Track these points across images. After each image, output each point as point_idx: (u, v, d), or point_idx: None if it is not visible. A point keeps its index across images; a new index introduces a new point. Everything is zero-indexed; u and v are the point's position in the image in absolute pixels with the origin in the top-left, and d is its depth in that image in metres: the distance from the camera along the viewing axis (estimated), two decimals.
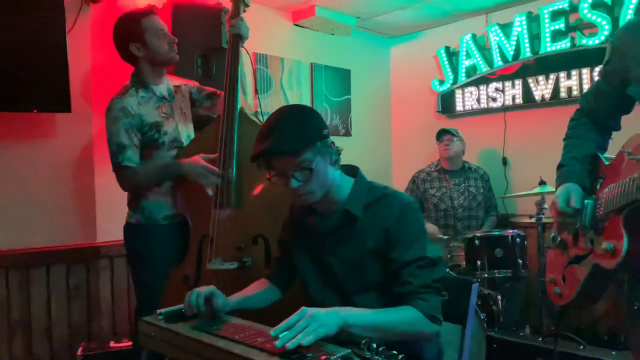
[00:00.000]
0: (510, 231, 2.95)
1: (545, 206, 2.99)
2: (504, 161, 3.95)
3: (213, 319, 1.50)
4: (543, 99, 3.68)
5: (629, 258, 1.18)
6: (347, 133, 4.29)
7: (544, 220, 3.00)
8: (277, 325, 1.20)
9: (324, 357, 1.08)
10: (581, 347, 2.12)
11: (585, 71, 3.45)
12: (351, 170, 1.63)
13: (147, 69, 2.26)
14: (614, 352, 2.04)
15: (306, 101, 4.01)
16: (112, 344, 2.63)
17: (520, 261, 2.84)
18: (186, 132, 2.38)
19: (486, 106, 4.01)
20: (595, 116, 1.53)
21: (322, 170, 1.47)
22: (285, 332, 1.17)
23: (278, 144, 1.42)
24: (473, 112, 4.10)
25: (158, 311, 1.54)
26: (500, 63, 3.86)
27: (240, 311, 1.62)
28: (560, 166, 1.53)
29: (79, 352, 2.56)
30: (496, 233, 2.94)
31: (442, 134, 3.75)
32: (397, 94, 4.71)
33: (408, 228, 1.49)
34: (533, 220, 3.05)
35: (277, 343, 1.14)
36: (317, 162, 1.45)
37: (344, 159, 1.57)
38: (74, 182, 2.89)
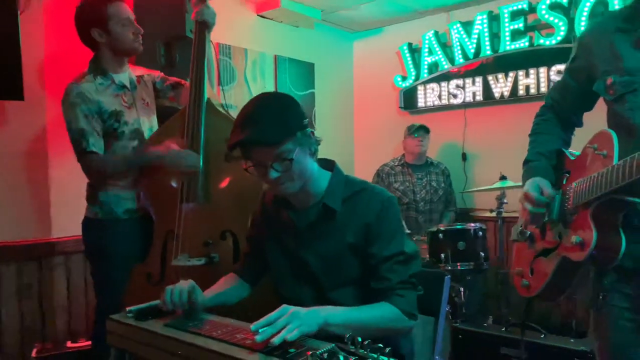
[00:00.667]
0: (473, 225, 3.02)
1: (505, 201, 3.08)
2: (464, 157, 4.04)
3: (187, 316, 1.45)
4: (502, 96, 3.78)
5: (597, 250, 1.21)
6: (311, 127, 4.26)
7: (504, 214, 3.08)
8: (257, 321, 1.17)
9: (310, 352, 1.06)
10: (542, 335, 2.19)
11: (543, 70, 3.56)
12: (327, 164, 1.60)
13: (108, 57, 2.16)
14: (572, 340, 2.12)
15: None
16: (69, 344, 2.52)
17: (482, 254, 2.91)
18: (148, 123, 2.29)
19: (447, 102, 4.08)
20: (560, 112, 1.56)
21: (302, 161, 1.44)
22: (266, 328, 1.15)
23: (258, 133, 1.37)
24: (434, 109, 4.17)
25: (127, 309, 1.47)
26: (461, 60, 3.94)
27: (211, 308, 1.57)
28: (527, 161, 1.56)
29: (34, 353, 2.44)
30: (459, 227, 3.00)
31: (419, 129, 3.78)
32: (359, 89, 4.72)
33: (388, 224, 1.48)
34: (493, 214, 3.13)
35: (258, 337, 1.12)
36: (297, 152, 1.42)
37: None
38: (27, 174, 2.72)
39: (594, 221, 1.23)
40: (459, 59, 3.95)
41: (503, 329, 2.32)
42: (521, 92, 3.68)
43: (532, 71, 3.61)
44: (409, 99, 4.30)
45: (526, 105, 3.70)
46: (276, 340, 1.11)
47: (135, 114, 2.21)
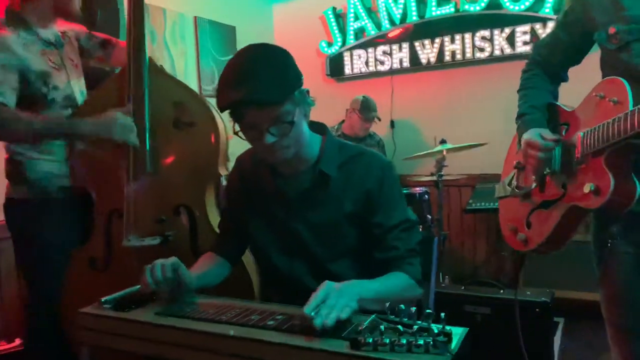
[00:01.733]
0: (418, 189, 3.05)
1: (446, 164, 3.14)
2: (392, 124, 4.06)
3: (177, 299, 1.26)
4: (429, 62, 3.83)
5: (613, 196, 1.23)
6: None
7: (445, 177, 3.15)
8: (308, 304, 1.05)
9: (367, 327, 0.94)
10: (501, 290, 2.28)
11: (468, 36, 3.66)
12: (317, 127, 1.46)
13: (40, 8, 1.81)
14: (528, 292, 2.22)
15: (192, 59, 3.66)
16: (3, 345, 2.15)
17: (429, 217, 2.95)
18: (80, 87, 1.97)
19: (374, 69, 4.06)
20: (549, 67, 1.57)
21: (299, 125, 1.30)
22: (319, 308, 1.04)
23: (258, 92, 1.20)
24: (362, 76, 4.13)
25: (102, 299, 1.25)
26: (387, 26, 3.92)
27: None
28: (521, 115, 1.55)
29: None
30: (405, 191, 3.01)
31: (373, 114, 3.65)
32: None
33: (391, 190, 1.39)
34: (433, 178, 3.18)
35: (317, 321, 1.00)
36: (296, 114, 1.27)
37: None
38: None
39: (609, 167, 1.24)
40: (385, 24, 3.93)
41: (462, 288, 2.37)
42: (447, 58, 3.75)
43: (457, 37, 3.70)
44: (335, 66, 4.22)
45: (452, 71, 3.81)
46: (330, 321, 1.00)
47: (65, 76, 1.88)
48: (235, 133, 1.32)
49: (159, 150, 1.85)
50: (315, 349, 0.96)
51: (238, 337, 1.01)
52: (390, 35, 3.96)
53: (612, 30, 1.31)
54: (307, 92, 1.33)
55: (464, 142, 3.25)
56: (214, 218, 1.90)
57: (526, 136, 1.47)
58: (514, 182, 1.59)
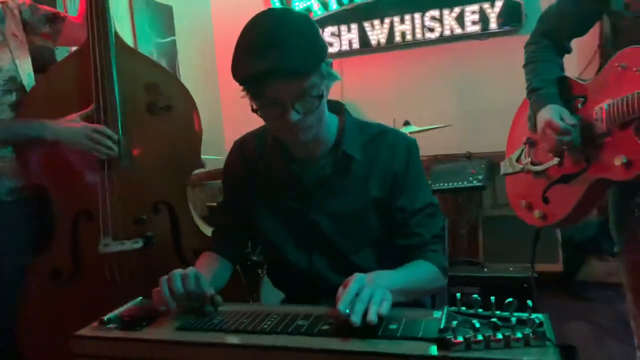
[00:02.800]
0: None
1: None
2: None
3: (197, 311, 1.08)
4: (379, 43, 3.76)
5: None
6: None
7: None
8: (341, 300, 0.92)
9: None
10: (485, 269, 2.27)
11: (417, 16, 3.62)
12: (334, 106, 1.32)
13: None
14: (511, 268, 2.23)
15: (129, 41, 3.31)
16: None
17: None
18: (27, 69, 1.68)
19: None
20: (557, 37, 1.54)
21: (324, 101, 1.16)
22: (354, 304, 0.92)
23: (286, 60, 1.05)
24: None
25: (104, 317, 1.04)
26: (335, 6, 3.80)
27: None
28: (535, 89, 1.51)
29: None
30: None
31: None
32: (221, 35, 4.22)
33: (415, 172, 1.29)
34: None
35: (354, 318, 0.89)
36: (323, 88, 1.13)
37: None
38: None
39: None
40: (332, 3, 3.80)
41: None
42: (398, 39, 3.70)
43: (407, 17, 3.65)
44: None
45: (403, 52, 3.77)
46: (373, 317, 0.89)
47: (8, 55, 1.60)
48: (254, 111, 1.15)
49: (133, 141, 1.63)
50: (398, 354, 0.83)
51: (298, 348, 0.87)
52: (338, 15, 3.83)
53: None
54: (331, 63, 1.19)
55: (420, 124, 3.23)
56: (195, 215, 1.73)
57: (546, 114, 1.42)
58: (527, 158, 1.55)
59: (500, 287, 1.93)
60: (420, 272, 1.21)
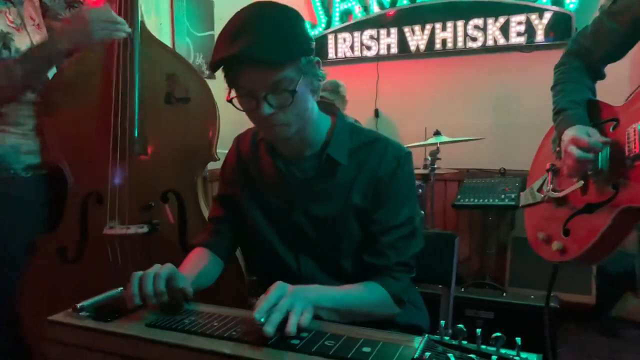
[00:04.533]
0: None
1: (439, 157, 2.99)
2: (376, 113, 3.89)
3: (169, 308, 1.03)
4: (418, 49, 3.67)
5: None
6: (211, 75, 3.74)
7: (437, 171, 3.00)
8: (258, 306, 0.89)
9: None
10: (504, 294, 2.14)
11: (460, 24, 3.51)
12: (328, 107, 1.28)
13: None
14: (532, 296, 2.10)
15: (167, 34, 3.36)
16: None
17: (422, 212, 2.80)
18: None
19: (360, 54, 3.87)
20: (590, 59, 1.44)
21: (303, 97, 1.12)
22: (271, 313, 0.89)
23: (256, 46, 1.02)
24: (346, 60, 3.93)
25: (78, 305, 1.01)
26: (376, 9, 3.73)
27: None
28: (561, 110, 1.41)
29: None
30: None
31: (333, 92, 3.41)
32: None
33: (400, 185, 1.21)
34: (426, 171, 3.03)
35: (268, 328, 0.86)
36: (299, 84, 1.08)
37: None
38: None
39: None
40: (373, 7, 3.73)
41: (462, 290, 2.22)
42: (438, 46, 3.60)
43: (449, 24, 3.54)
44: (318, 49, 3.90)
45: (442, 60, 3.66)
46: (292, 328, 0.87)
47: (27, 39, 1.62)
48: (229, 100, 1.12)
49: (148, 128, 1.63)
50: None
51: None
52: (379, 19, 3.76)
53: None
54: (318, 62, 1.14)
55: (452, 135, 3.11)
56: (205, 207, 1.70)
57: (571, 133, 1.31)
58: (549, 186, 1.43)
59: (517, 314, 1.80)
60: (365, 295, 1.14)
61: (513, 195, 2.92)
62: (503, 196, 2.98)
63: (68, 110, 1.64)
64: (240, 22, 1.06)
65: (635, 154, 1.20)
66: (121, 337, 0.93)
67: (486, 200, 3.01)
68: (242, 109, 1.14)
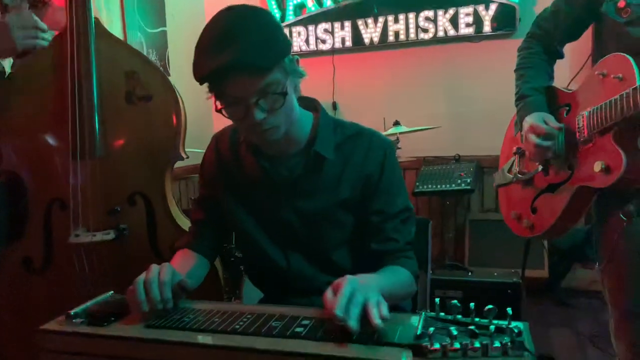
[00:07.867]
0: None
1: (399, 146, 3.07)
2: (334, 106, 3.93)
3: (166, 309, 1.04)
4: (372, 42, 3.73)
5: (625, 173, 1.20)
6: (166, 72, 3.68)
7: (402, 159, 3.08)
8: (336, 303, 0.87)
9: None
10: (469, 273, 2.26)
11: (412, 16, 3.59)
12: (308, 103, 1.30)
13: None
14: (495, 273, 2.22)
15: (117, 31, 3.27)
16: None
17: None
18: None
19: (315, 48, 3.90)
20: (550, 41, 1.53)
21: (290, 98, 1.13)
22: (349, 309, 0.87)
23: (244, 53, 1.02)
24: (301, 54, 3.94)
25: (71, 312, 1.01)
26: (329, 3, 3.77)
27: None
28: (522, 96, 1.50)
29: None
30: None
31: None
32: None
33: (392, 175, 1.27)
34: None
35: (352, 323, 0.85)
36: (287, 85, 1.10)
37: None
38: None
39: (618, 144, 1.21)
40: (327, 1, 3.77)
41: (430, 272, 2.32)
42: (391, 38, 3.68)
43: (401, 17, 3.62)
44: None
45: (396, 51, 3.74)
46: (378, 320, 0.86)
47: None
48: (219, 111, 1.12)
49: (110, 129, 1.59)
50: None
51: (270, 351, 0.83)
52: (332, 12, 3.80)
53: (621, 3, 1.28)
54: (298, 60, 1.16)
55: (410, 125, 3.20)
56: (175, 208, 1.68)
57: (529, 120, 1.42)
58: (516, 168, 1.53)
59: (484, 292, 1.91)
60: (399, 278, 1.20)
61: (469, 180, 3.05)
62: (459, 181, 3.10)
63: (20, 115, 1.58)
64: (221, 31, 1.06)
65: (584, 139, 1.31)
66: (121, 340, 0.93)
67: (443, 186, 3.13)
68: (230, 118, 1.14)
